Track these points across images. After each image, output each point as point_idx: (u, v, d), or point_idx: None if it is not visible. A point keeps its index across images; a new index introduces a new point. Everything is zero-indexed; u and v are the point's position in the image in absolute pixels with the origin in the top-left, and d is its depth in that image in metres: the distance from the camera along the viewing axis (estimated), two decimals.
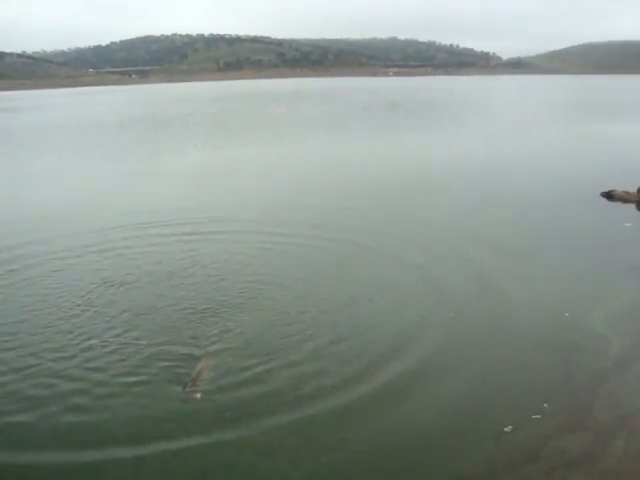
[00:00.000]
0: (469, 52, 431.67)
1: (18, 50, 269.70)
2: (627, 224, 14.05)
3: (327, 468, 5.92)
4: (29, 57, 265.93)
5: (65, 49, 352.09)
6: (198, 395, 7.16)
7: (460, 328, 8.76)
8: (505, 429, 6.34)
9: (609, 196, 16.71)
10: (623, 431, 6.28)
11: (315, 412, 6.76)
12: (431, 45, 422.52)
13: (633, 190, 16.52)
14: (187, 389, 7.24)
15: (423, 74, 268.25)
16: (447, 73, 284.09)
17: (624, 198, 16.43)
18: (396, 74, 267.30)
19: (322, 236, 13.36)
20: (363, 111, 56.53)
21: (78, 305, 9.88)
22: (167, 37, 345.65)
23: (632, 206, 15.90)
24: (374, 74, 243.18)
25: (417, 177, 20.48)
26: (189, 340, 8.49)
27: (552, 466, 5.83)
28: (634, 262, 11.28)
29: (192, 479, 5.88)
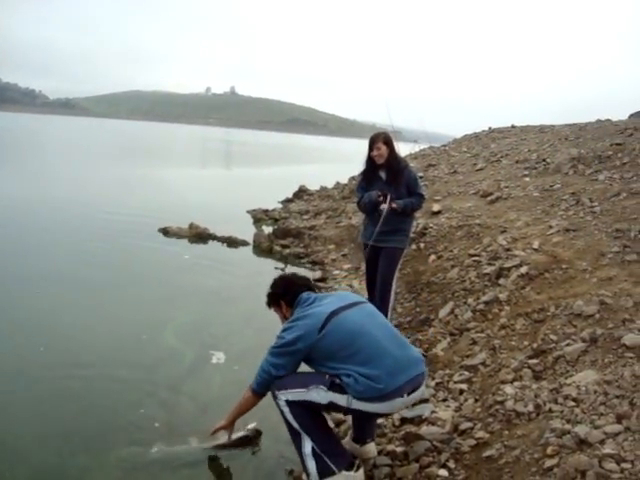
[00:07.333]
0: (13, 87, 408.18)
1: None
2: (186, 256, 16.28)
3: None
4: None
5: None
6: None
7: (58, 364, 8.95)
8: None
9: (165, 232, 18.82)
10: (209, 410, 7.74)
11: None
12: None
13: (185, 226, 19.10)
14: None
15: None
16: None
17: (178, 233, 18.79)
18: None
19: None
20: None
21: None
22: None
23: (185, 240, 18.36)
24: None
25: None
26: None
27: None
28: (196, 286, 13.26)
29: None
